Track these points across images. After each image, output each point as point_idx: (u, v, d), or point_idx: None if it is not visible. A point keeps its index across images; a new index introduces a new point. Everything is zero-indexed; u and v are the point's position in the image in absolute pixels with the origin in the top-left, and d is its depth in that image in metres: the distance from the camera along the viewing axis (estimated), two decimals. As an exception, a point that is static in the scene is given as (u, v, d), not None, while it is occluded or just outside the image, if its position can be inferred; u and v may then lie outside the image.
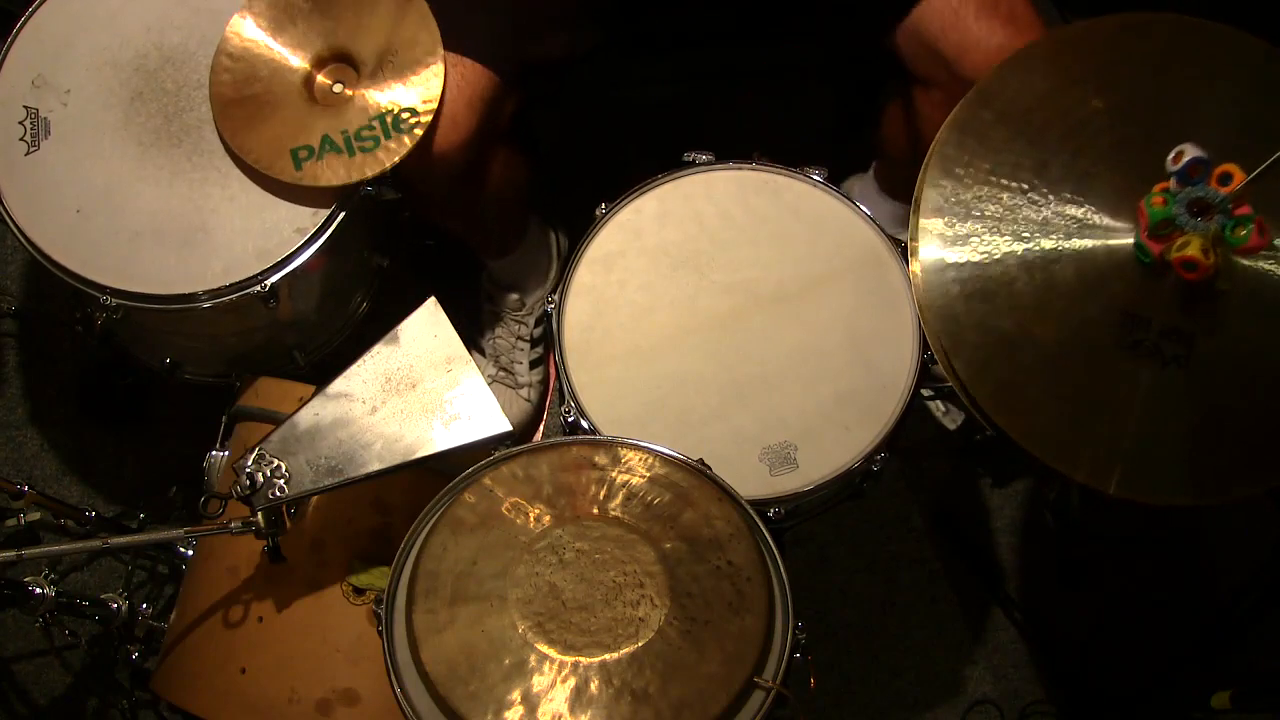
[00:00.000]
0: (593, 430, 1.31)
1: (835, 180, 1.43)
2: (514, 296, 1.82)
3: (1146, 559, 1.84)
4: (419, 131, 1.34)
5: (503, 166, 1.56)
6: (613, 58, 1.55)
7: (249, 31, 1.39)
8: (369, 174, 1.34)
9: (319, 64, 1.39)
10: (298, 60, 1.39)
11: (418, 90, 1.35)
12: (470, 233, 1.73)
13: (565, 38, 1.47)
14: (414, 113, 1.34)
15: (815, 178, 1.42)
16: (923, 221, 1.17)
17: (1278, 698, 1.35)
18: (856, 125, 1.81)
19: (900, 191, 1.68)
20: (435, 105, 1.34)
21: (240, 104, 1.37)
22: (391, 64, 1.36)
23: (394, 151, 1.34)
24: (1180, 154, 1.09)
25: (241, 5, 1.40)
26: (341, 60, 1.39)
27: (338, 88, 1.38)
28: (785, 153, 1.43)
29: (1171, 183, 1.10)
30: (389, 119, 1.35)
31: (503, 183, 1.58)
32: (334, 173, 1.34)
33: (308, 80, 1.38)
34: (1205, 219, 1.08)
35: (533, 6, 1.42)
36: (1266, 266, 1.13)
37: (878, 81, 1.60)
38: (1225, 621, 1.65)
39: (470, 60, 1.38)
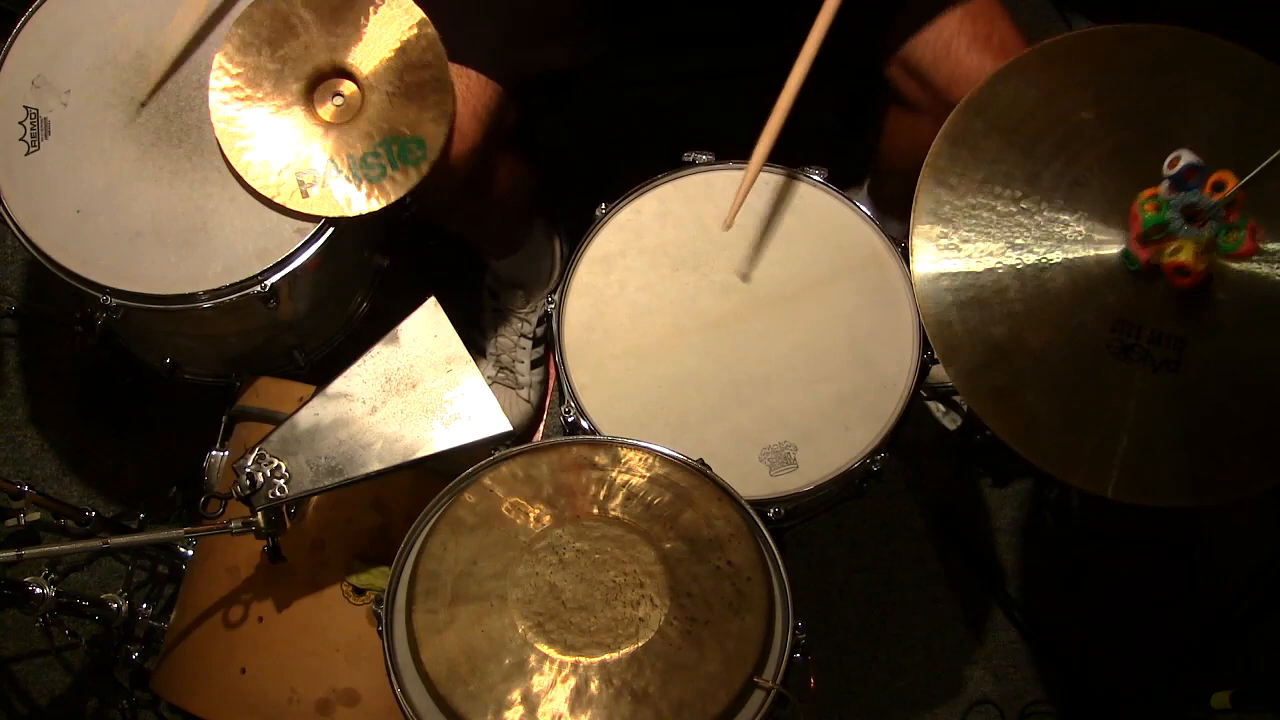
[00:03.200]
0: (593, 430, 1.31)
1: (837, 183, 1.43)
2: (518, 294, 1.82)
3: (1146, 559, 1.84)
4: (425, 168, 1.32)
5: (508, 172, 1.56)
6: (613, 58, 1.54)
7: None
8: (374, 208, 1.32)
9: (317, 79, 1.37)
10: (292, 79, 1.36)
11: (428, 120, 1.33)
12: (475, 235, 1.73)
13: (567, 48, 1.47)
14: (422, 146, 1.33)
15: (815, 178, 1.42)
16: (916, 230, 1.18)
17: (1278, 698, 1.35)
18: (857, 127, 1.81)
19: (893, 209, 1.69)
20: (443, 142, 1.33)
21: (242, 124, 1.36)
22: (400, 84, 1.35)
23: (400, 185, 1.32)
24: (1176, 159, 1.10)
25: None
26: (340, 75, 1.37)
27: (338, 100, 1.37)
28: (785, 153, 1.43)
29: (1162, 188, 1.11)
30: (395, 148, 1.33)
31: (508, 187, 1.58)
32: (339, 202, 1.33)
33: (307, 96, 1.37)
34: (1198, 224, 1.09)
35: (534, 18, 1.42)
36: (1255, 269, 1.14)
37: (875, 84, 1.60)
38: (1225, 621, 1.65)
39: (474, 71, 1.38)
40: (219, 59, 1.37)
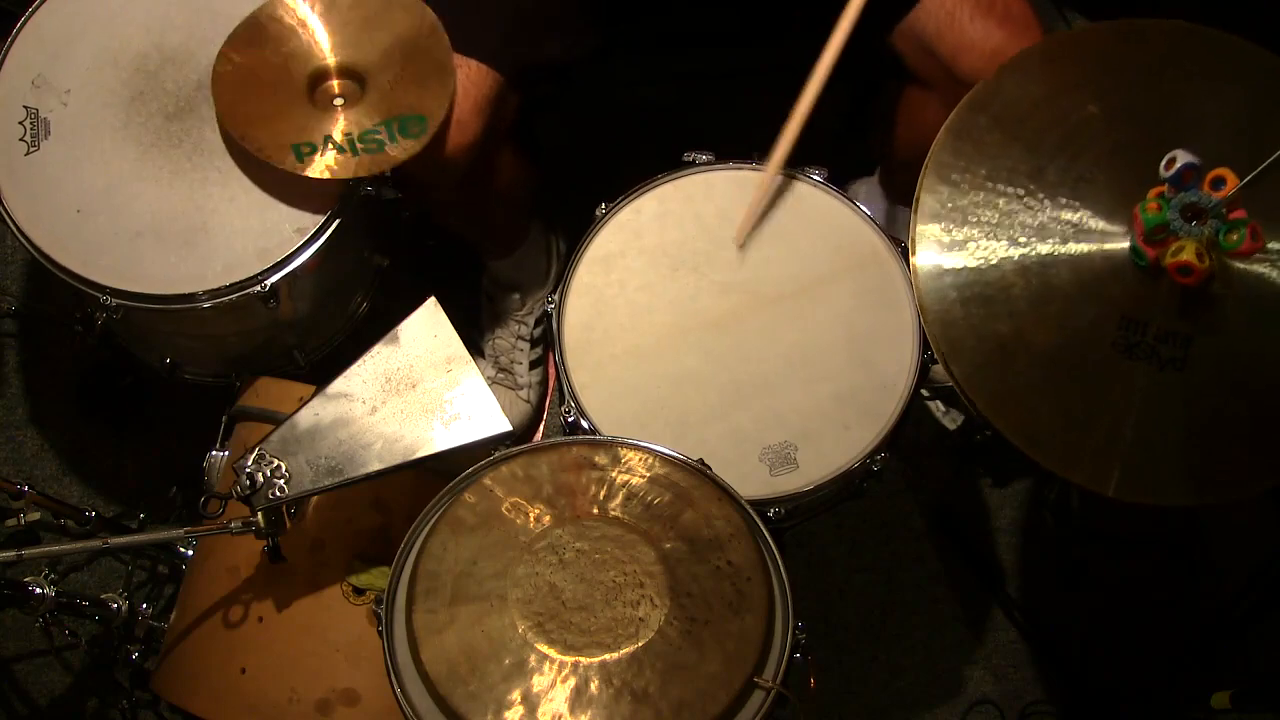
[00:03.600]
0: (593, 430, 1.31)
1: (838, 181, 1.43)
2: (515, 296, 1.82)
3: (1146, 559, 1.84)
4: (425, 139, 1.33)
5: (507, 167, 1.56)
6: (613, 58, 1.55)
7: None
8: (372, 171, 1.33)
9: (335, 72, 1.38)
10: (319, 57, 1.37)
11: (429, 98, 1.34)
12: (474, 233, 1.73)
13: (565, 39, 1.47)
14: (422, 121, 1.33)
15: (815, 178, 1.42)
16: (919, 227, 1.17)
17: (1278, 698, 1.35)
18: (858, 125, 1.81)
19: (904, 195, 1.68)
20: (445, 115, 1.34)
21: (241, 83, 1.36)
22: (404, 73, 1.35)
23: (397, 155, 1.33)
24: (1172, 160, 1.09)
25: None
26: (353, 78, 1.38)
27: (338, 102, 1.37)
28: (785, 153, 1.43)
29: (1166, 188, 1.10)
30: (395, 125, 1.33)
31: (507, 183, 1.58)
32: (336, 167, 1.33)
33: (315, 79, 1.37)
34: (1199, 224, 1.08)
35: (537, 7, 1.42)
36: (1262, 269, 1.13)
37: (879, 81, 1.60)
38: (1225, 621, 1.65)
39: (474, 61, 1.38)
40: (223, 50, 1.37)
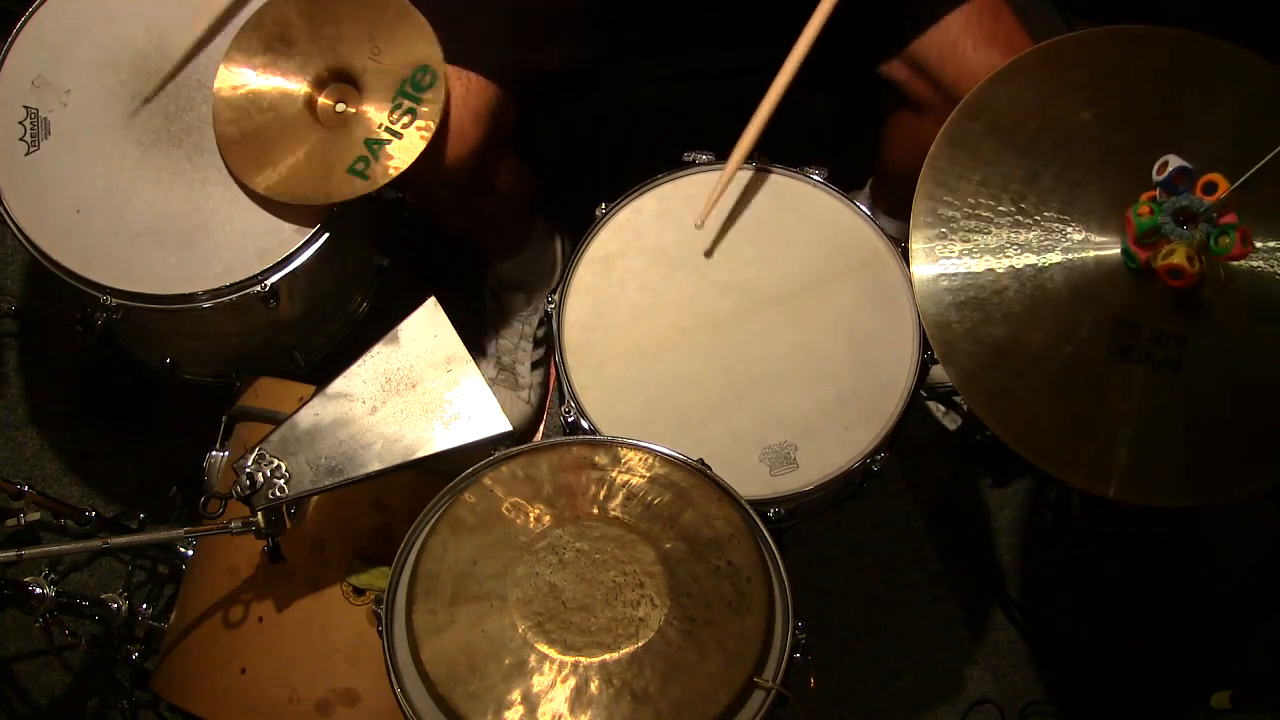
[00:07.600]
0: (593, 430, 1.31)
1: (835, 181, 1.43)
2: (519, 296, 1.82)
3: (1146, 559, 1.84)
4: (442, 82, 1.32)
5: (508, 173, 1.56)
6: (613, 58, 1.54)
7: (236, 78, 1.37)
8: (429, 137, 1.31)
9: (318, 87, 1.38)
10: (296, 87, 1.37)
11: (416, 49, 1.33)
12: (478, 234, 1.74)
13: (567, 49, 1.47)
14: (426, 69, 1.32)
15: (815, 178, 1.42)
16: (915, 232, 1.18)
17: (1278, 698, 1.35)
18: (856, 127, 1.81)
19: (895, 209, 1.69)
20: (438, 45, 1.33)
21: (252, 149, 1.35)
22: (377, 46, 1.35)
23: (436, 106, 1.31)
24: (1165, 164, 1.10)
25: (220, 60, 1.38)
26: (339, 80, 1.38)
27: (340, 107, 1.37)
28: (785, 153, 1.43)
29: (1159, 192, 1.11)
30: (409, 88, 1.33)
31: (508, 189, 1.58)
32: (399, 159, 1.31)
33: (310, 106, 1.37)
34: (1190, 227, 1.09)
35: (534, 18, 1.42)
36: (1255, 270, 1.13)
37: (877, 86, 1.60)
38: (1225, 621, 1.65)
39: (474, 73, 1.38)
40: (215, 107, 1.37)
